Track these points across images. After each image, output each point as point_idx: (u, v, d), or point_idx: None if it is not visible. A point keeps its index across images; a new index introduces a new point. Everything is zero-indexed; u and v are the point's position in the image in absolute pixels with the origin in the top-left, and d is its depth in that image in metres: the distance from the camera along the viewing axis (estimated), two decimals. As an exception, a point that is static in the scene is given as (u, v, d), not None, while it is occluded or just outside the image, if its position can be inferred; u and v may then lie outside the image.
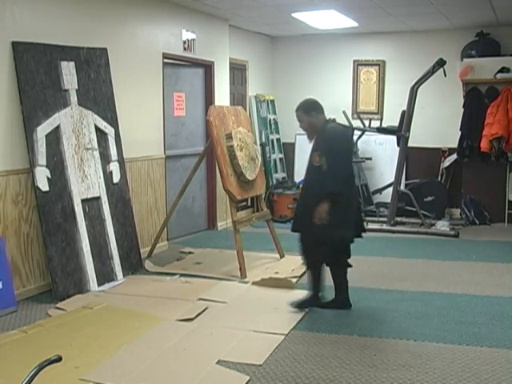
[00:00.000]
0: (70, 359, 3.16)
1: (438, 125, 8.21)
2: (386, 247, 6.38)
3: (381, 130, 7.83)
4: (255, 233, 6.90)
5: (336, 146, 4.07)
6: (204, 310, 4.19)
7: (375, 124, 8.04)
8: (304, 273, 5.22)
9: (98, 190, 5.01)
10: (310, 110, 4.19)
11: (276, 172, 8.75)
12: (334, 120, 4.40)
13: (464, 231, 7.17)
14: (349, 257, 4.29)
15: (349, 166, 4.24)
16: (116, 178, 5.24)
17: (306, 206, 4.16)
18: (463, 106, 7.71)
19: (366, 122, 8.06)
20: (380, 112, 8.56)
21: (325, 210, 3.92)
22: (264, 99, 8.63)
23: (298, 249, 4.30)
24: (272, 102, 8.87)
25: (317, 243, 4.07)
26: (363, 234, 4.32)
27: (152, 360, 3.32)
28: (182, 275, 5.13)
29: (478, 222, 7.63)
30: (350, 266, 4.31)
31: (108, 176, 5.14)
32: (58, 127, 4.68)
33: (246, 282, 4.93)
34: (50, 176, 4.58)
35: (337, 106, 8.57)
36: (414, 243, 6.60)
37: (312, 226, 4.00)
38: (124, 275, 5.10)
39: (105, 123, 5.16)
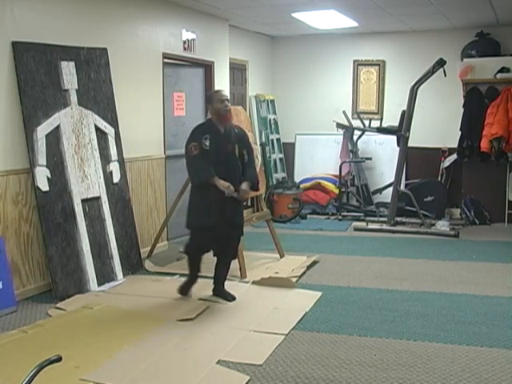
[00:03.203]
0: (69, 359, 3.15)
1: (438, 125, 8.21)
2: (386, 247, 6.37)
3: (381, 130, 7.84)
4: (255, 233, 6.89)
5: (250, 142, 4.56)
6: (204, 310, 4.19)
7: (375, 124, 8.05)
8: (304, 272, 5.23)
9: (98, 189, 5.01)
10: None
11: (276, 172, 8.74)
12: None
13: (464, 231, 7.17)
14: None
15: None
16: (116, 178, 5.24)
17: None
18: (463, 106, 7.71)
19: (366, 122, 8.06)
20: (380, 112, 8.56)
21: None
22: (264, 99, 8.62)
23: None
24: (272, 101, 8.87)
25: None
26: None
27: (152, 360, 3.32)
28: (181, 275, 5.12)
29: (478, 221, 7.62)
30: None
31: (108, 176, 5.15)
32: (57, 127, 4.68)
33: (246, 282, 4.93)
34: (49, 176, 4.58)
35: (337, 106, 8.61)
36: (414, 243, 6.60)
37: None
38: (124, 275, 5.10)
39: (105, 123, 5.16)
